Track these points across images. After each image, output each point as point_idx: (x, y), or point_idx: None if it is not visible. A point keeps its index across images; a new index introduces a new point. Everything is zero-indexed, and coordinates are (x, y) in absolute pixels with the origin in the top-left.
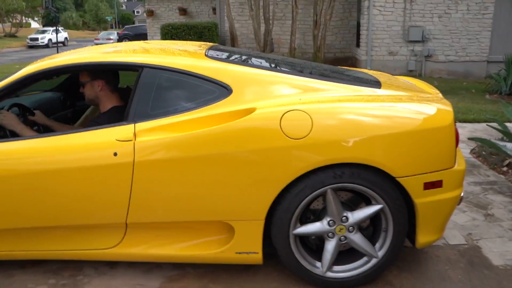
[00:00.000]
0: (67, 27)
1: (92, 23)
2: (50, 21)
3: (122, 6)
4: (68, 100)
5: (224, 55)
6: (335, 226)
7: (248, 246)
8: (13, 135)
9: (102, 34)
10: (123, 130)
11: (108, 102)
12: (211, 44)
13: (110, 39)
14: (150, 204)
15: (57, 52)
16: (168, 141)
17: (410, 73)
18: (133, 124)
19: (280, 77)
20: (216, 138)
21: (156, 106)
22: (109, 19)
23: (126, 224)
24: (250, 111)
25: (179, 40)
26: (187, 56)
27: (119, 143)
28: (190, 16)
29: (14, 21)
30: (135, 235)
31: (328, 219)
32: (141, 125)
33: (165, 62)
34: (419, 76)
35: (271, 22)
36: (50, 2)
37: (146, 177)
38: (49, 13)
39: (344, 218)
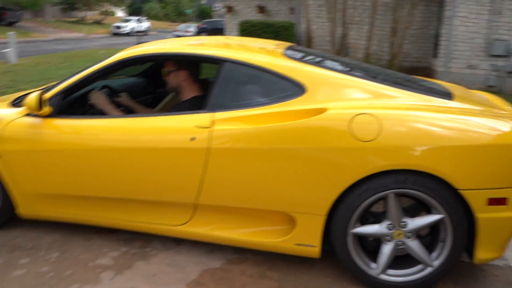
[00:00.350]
0: (149, 17)
1: (173, 15)
2: (134, 10)
3: (202, 0)
4: (150, 86)
5: (301, 55)
6: (394, 231)
7: (307, 239)
8: (102, 113)
9: (181, 26)
10: (202, 118)
11: (189, 92)
12: (289, 43)
13: (188, 31)
14: (220, 188)
15: (137, 41)
16: (243, 131)
17: (489, 89)
18: (212, 113)
19: (353, 81)
20: (287, 133)
21: (233, 98)
22: (189, 12)
23: (196, 204)
24: (321, 110)
25: (256, 37)
26: (266, 54)
27: (197, 129)
28: (267, 15)
29: (102, 9)
30: (203, 216)
31: (387, 222)
32: (219, 115)
33: (245, 58)
34: (498, 92)
35: (348, 26)
36: None
37: (219, 163)
38: (134, 3)
39: (403, 223)
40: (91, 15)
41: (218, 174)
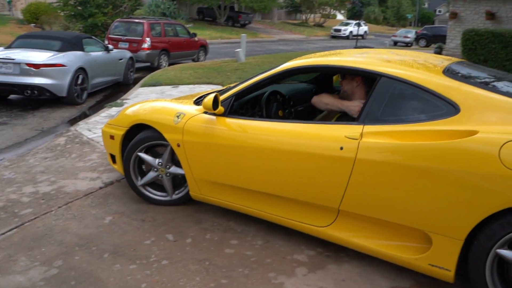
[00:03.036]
0: (368, 21)
1: (392, 20)
2: (354, 14)
3: (424, 4)
4: (318, 92)
5: (465, 73)
6: None
7: (442, 261)
8: (268, 116)
9: (400, 31)
10: (352, 129)
11: (357, 98)
12: (458, 59)
13: (407, 37)
14: (362, 197)
15: (356, 45)
16: (389, 146)
17: None
18: (362, 125)
19: None
20: (435, 153)
21: (385, 113)
22: (409, 17)
23: (339, 210)
24: (472, 133)
25: (481, 47)
26: (423, 70)
27: (346, 139)
28: (498, 22)
29: (324, 12)
30: (344, 222)
31: None
32: (369, 128)
33: (401, 74)
34: None
35: None
36: None
37: (364, 174)
38: (354, 7)
39: None
40: (313, 17)
41: (361, 184)
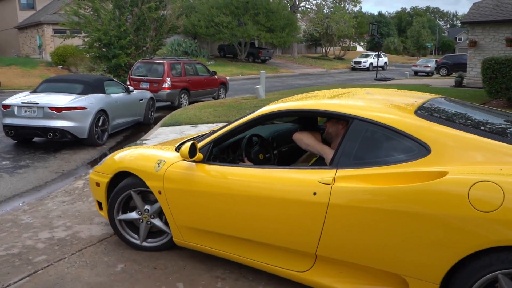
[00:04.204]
0: (388, 51)
1: (412, 49)
2: (373, 45)
3: (444, 33)
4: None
5: (439, 111)
6: None
7: None
8: (249, 161)
9: (421, 61)
10: (325, 173)
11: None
12: (436, 96)
13: (428, 66)
14: (337, 242)
15: (376, 76)
16: (362, 190)
17: None
18: (335, 170)
19: (487, 143)
20: (405, 196)
21: (358, 156)
22: (429, 46)
23: (316, 255)
24: (442, 174)
25: (502, 76)
26: (395, 111)
27: (319, 184)
28: None
29: (343, 45)
30: (323, 267)
31: None
32: (342, 172)
33: (371, 116)
34: None
35: None
36: (376, 29)
37: (337, 218)
38: (373, 38)
39: None
40: (333, 50)
41: (335, 229)
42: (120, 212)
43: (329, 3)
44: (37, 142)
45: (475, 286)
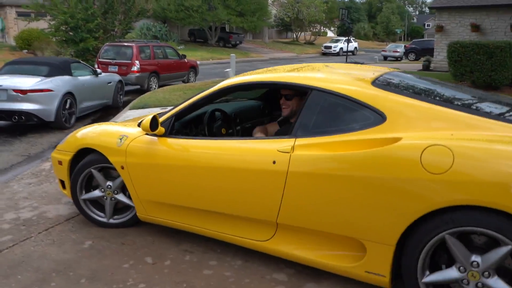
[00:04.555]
0: (358, 37)
1: (382, 35)
2: (344, 31)
3: (413, 19)
4: (266, 108)
5: (395, 83)
6: (466, 273)
7: (377, 267)
8: (210, 134)
9: (390, 46)
10: (284, 142)
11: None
12: (392, 69)
13: (397, 51)
14: (297, 210)
15: (346, 60)
16: (319, 157)
17: None
18: (294, 139)
19: (439, 111)
20: (361, 162)
21: (316, 125)
22: (398, 32)
23: (277, 223)
24: (396, 140)
25: (467, 59)
26: (353, 82)
27: (278, 153)
28: (482, 33)
29: (314, 30)
30: (284, 235)
31: (458, 265)
32: (300, 140)
33: (329, 86)
34: None
35: None
36: (346, 14)
37: (297, 186)
38: (344, 24)
39: (474, 263)
40: (304, 35)
41: (294, 197)
42: (84, 192)
43: None
44: (1, 125)
45: (427, 247)
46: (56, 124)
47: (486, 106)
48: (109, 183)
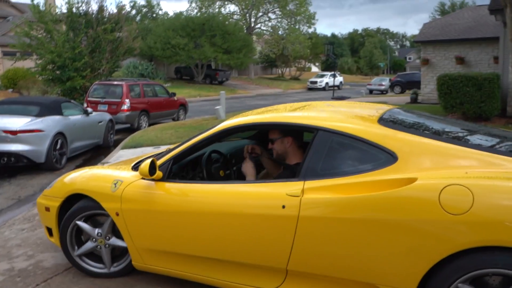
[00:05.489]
0: (342, 71)
1: (365, 69)
2: (328, 66)
3: (395, 53)
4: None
5: (400, 120)
6: None
7: None
8: (209, 177)
9: (375, 80)
10: (293, 186)
11: (294, 157)
12: (393, 106)
13: (382, 85)
14: (309, 256)
15: (332, 95)
16: (331, 201)
17: None
18: (303, 181)
19: (451, 148)
20: (376, 204)
21: (325, 167)
22: (381, 65)
23: (287, 270)
24: (411, 180)
25: (457, 91)
26: (359, 121)
27: (288, 197)
28: (467, 66)
29: (299, 65)
30: (294, 282)
31: None
32: (310, 183)
33: (336, 126)
34: None
35: None
36: (331, 49)
37: (308, 231)
38: (328, 59)
39: None
40: (289, 71)
41: (306, 242)
42: (76, 247)
43: (284, 25)
44: None
45: None
46: (46, 166)
47: (494, 142)
48: (98, 230)
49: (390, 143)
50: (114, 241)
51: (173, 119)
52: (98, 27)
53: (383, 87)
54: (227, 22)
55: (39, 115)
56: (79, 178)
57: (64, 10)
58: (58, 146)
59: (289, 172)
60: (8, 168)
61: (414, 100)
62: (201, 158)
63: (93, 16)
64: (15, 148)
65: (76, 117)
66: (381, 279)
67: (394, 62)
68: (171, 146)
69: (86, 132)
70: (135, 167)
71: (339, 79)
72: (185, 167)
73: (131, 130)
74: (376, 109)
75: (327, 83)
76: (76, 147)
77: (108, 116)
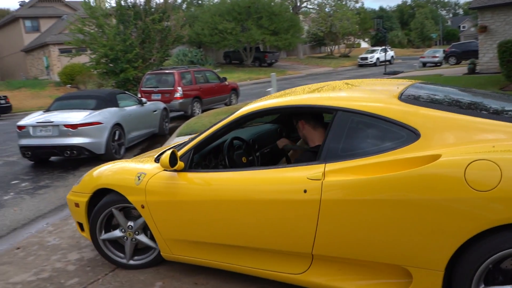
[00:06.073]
0: (392, 45)
1: (417, 41)
2: (378, 41)
3: (447, 22)
4: (283, 131)
5: (422, 95)
6: None
7: None
8: (231, 165)
9: (428, 52)
10: (314, 169)
11: (314, 140)
12: (413, 81)
13: (436, 56)
14: (334, 239)
15: (385, 71)
16: (354, 183)
17: None
18: (324, 164)
19: (477, 122)
20: (399, 184)
21: (345, 148)
22: (434, 36)
23: (312, 255)
24: (435, 157)
25: None
26: (379, 99)
27: (309, 181)
28: None
29: (348, 42)
30: (320, 266)
31: None
32: (331, 166)
33: (355, 105)
34: None
35: None
36: (381, 23)
37: (332, 214)
38: (378, 33)
39: None
40: (338, 49)
41: (330, 226)
42: (103, 232)
43: (330, 2)
44: (54, 161)
45: (481, 269)
46: (106, 156)
47: None
48: (130, 223)
49: (412, 119)
50: (142, 237)
51: (226, 104)
52: (146, 18)
53: (437, 59)
54: (272, 3)
55: (97, 108)
56: (105, 172)
57: (113, 4)
58: (117, 137)
59: (310, 155)
60: (71, 161)
61: (472, 71)
62: (223, 145)
63: (141, 7)
64: (76, 141)
65: (131, 108)
66: (408, 261)
67: (447, 32)
68: (193, 136)
69: (141, 121)
70: (158, 159)
71: (390, 53)
72: (208, 156)
73: (185, 117)
74: (397, 85)
75: (378, 59)
76: (133, 137)
77: (162, 105)
